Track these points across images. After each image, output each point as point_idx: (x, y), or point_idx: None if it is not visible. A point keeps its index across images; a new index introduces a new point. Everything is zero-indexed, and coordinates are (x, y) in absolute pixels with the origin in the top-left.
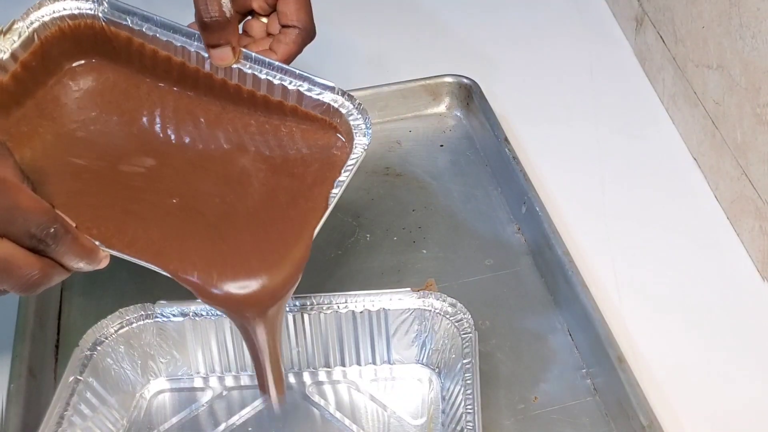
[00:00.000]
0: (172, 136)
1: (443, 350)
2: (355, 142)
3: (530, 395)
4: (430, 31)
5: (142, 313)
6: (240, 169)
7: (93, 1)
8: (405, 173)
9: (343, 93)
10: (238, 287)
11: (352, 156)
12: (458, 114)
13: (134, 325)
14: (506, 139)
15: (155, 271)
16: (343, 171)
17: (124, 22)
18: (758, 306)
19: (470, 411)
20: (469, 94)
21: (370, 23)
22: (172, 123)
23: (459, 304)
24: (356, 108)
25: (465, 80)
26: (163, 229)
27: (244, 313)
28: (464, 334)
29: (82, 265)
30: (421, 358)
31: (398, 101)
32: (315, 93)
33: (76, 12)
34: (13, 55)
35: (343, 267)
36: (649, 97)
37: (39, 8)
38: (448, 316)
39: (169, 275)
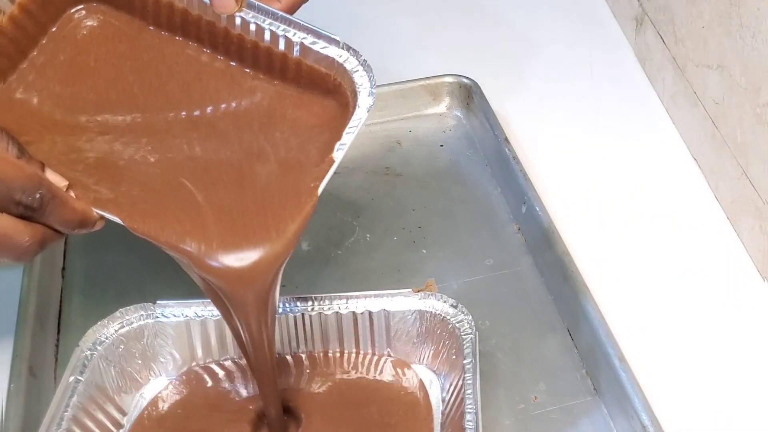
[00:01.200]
0: (175, 95)
1: (443, 351)
2: (358, 101)
3: (530, 395)
4: (430, 31)
5: (142, 313)
6: (239, 139)
7: None
8: (405, 173)
9: (348, 48)
10: (236, 257)
11: (355, 116)
12: (458, 114)
13: (134, 325)
14: (506, 139)
15: (155, 271)
16: (345, 133)
17: None
18: (758, 306)
19: (470, 411)
20: (469, 94)
21: (369, 23)
22: (175, 80)
23: (460, 305)
24: (361, 64)
25: (465, 80)
26: (158, 195)
27: (237, 281)
28: (464, 334)
29: (76, 230)
30: (421, 360)
31: (398, 101)
32: (319, 47)
33: None
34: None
35: (343, 267)
36: (649, 97)
37: None
38: (448, 317)
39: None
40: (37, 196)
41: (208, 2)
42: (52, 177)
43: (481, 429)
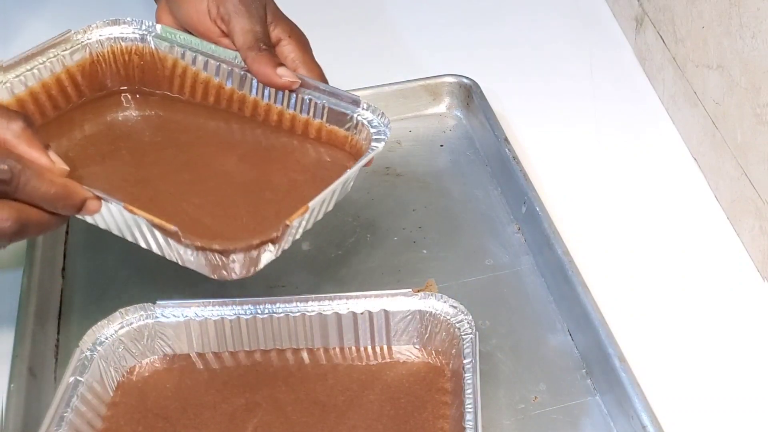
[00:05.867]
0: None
1: (444, 351)
2: (372, 143)
3: (530, 395)
4: (430, 31)
5: (142, 313)
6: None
7: (146, 29)
8: (405, 173)
9: (369, 106)
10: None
11: (366, 154)
12: (458, 114)
13: (134, 325)
14: (506, 139)
15: (155, 271)
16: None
17: (172, 45)
18: (758, 306)
19: (470, 411)
20: (469, 94)
21: (370, 23)
22: (205, 146)
23: (460, 305)
24: (377, 115)
25: (465, 80)
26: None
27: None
28: (464, 334)
29: (62, 208)
30: (421, 360)
31: (398, 101)
32: (341, 108)
33: (130, 35)
34: (63, 64)
35: (343, 267)
36: (649, 97)
37: (96, 28)
38: (448, 317)
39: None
40: (5, 167)
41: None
42: (54, 157)
43: (481, 429)
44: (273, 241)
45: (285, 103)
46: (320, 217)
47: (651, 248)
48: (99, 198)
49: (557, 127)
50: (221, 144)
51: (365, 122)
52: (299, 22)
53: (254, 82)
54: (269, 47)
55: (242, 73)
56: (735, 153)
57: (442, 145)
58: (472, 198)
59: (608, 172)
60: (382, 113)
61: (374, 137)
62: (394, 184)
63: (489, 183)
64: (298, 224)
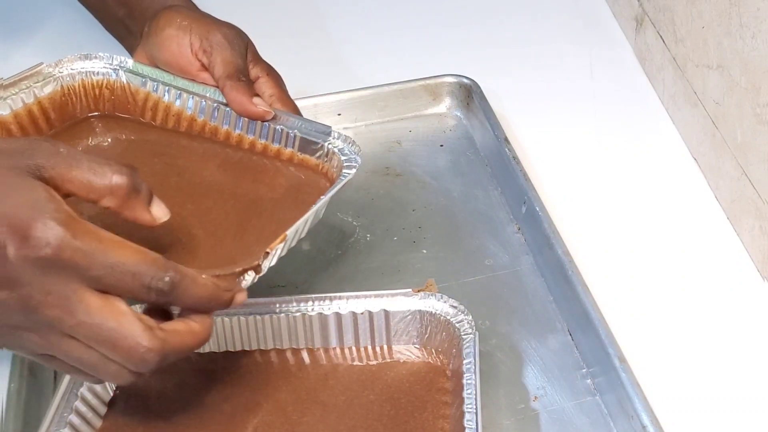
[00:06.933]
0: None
1: (444, 351)
2: (343, 172)
3: (530, 395)
4: (430, 31)
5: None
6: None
7: (117, 65)
8: (405, 173)
9: (339, 135)
10: None
11: (338, 182)
12: (458, 114)
13: None
14: (506, 139)
15: None
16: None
17: (144, 80)
18: (758, 306)
19: (470, 411)
20: (469, 94)
21: (370, 23)
22: (177, 168)
23: (460, 305)
24: (347, 144)
25: (465, 80)
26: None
27: None
28: (464, 334)
29: (214, 308)
30: (421, 360)
31: (398, 101)
32: (313, 137)
33: (101, 70)
34: (35, 96)
35: (343, 267)
36: (649, 97)
37: (67, 62)
38: (449, 317)
39: None
40: (167, 279)
41: (215, 105)
42: (157, 210)
43: (481, 429)
44: (255, 270)
45: (257, 133)
46: (294, 244)
47: (651, 248)
48: (245, 289)
49: (557, 127)
50: (209, 165)
51: (336, 150)
52: (300, 22)
53: (227, 114)
54: (248, 79)
55: (215, 105)
56: (735, 153)
57: (442, 145)
58: (472, 198)
59: (608, 172)
60: (353, 141)
61: (345, 164)
62: (393, 184)
63: (489, 183)
64: (276, 252)
